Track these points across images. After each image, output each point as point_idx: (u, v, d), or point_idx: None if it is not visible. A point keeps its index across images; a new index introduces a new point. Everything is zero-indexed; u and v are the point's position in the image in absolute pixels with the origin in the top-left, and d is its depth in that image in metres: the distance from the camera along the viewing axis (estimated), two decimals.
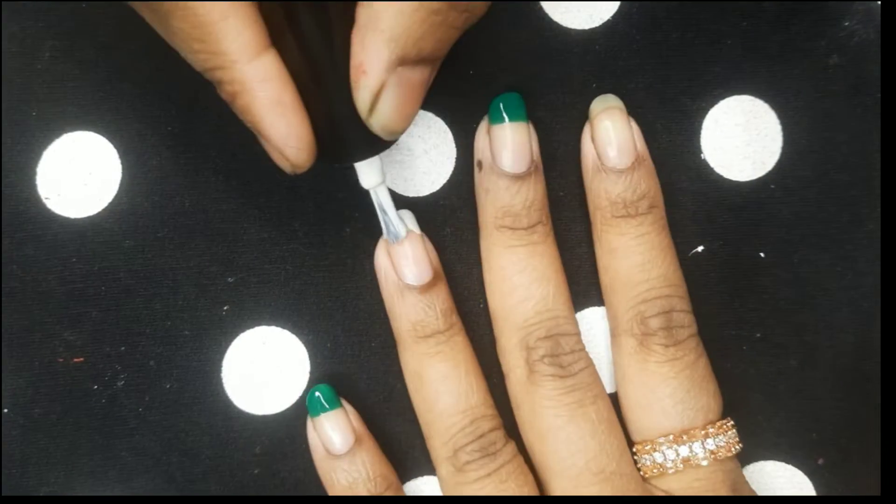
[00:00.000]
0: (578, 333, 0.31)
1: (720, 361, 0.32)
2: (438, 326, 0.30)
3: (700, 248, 0.32)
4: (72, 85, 0.32)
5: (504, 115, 0.30)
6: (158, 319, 0.32)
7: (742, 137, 0.32)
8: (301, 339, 0.32)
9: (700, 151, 0.32)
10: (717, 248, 0.32)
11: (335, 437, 0.30)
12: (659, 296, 0.30)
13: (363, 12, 0.24)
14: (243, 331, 0.32)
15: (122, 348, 0.32)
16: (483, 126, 0.31)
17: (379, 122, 0.26)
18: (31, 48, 0.32)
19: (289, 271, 0.32)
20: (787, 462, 0.32)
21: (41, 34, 0.32)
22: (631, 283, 0.30)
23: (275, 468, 0.32)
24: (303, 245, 0.32)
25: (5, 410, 0.32)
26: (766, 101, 0.32)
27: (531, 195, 0.30)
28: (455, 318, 0.31)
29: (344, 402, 0.31)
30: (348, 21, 0.25)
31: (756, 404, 0.32)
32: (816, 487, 0.32)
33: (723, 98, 0.32)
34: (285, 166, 0.26)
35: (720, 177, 0.32)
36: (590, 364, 0.31)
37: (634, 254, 0.30)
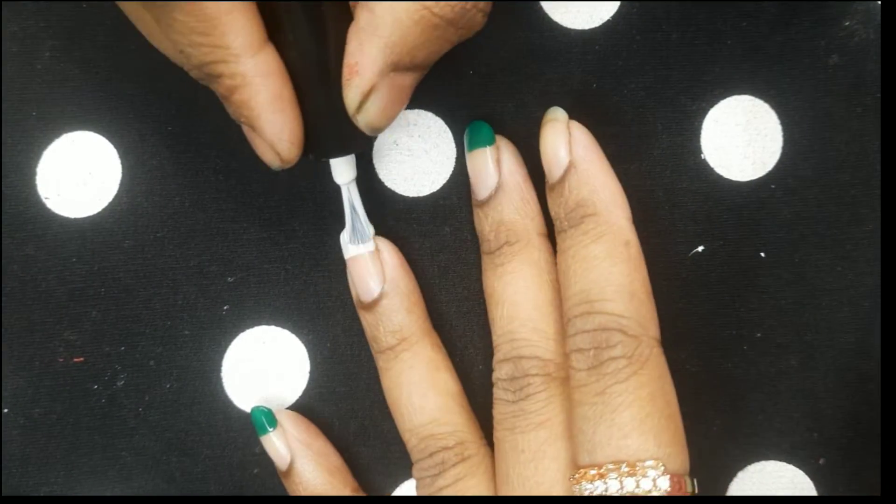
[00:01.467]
0: (544, 356, 0.29)
1: (720, 361, 0.32)
2: (386, 343, 0.30)
3: (700, 248, 0.32)
4: (72, 85, 0.32)
5: (466, 144, 0.31)
6: (158, 319, 0.32)
7: (742, 137, 0.32)
8: (301, 339, 0.32)
9: (700, 151, 0.32)
10: (717, 248, 0.32)
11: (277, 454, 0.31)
12: (578, 313, 0.28)
13: (363, 15, 0.25)
14: (243, 331, 0.32)
15: (122, 348, 0.32)
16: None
17: (365, 119, 0.26)
18: (31, 48, 0.32)
19: (289, 271, 0.32)
20: (788, 462, 0.32)
21: (41, 34, 0.32)
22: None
23: (274, 468, 0.32)
24: (303, 245, 0.32)
25: (5, 410, 0.32)
26: (766, 101, 0.32)
27: (496, 217, 0.30)
28: (408, 332, 0.30)
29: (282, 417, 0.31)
30: (340, 20, 0.25)
31: (756, 404, 0.32)
32: (817, 487, 0.32)
33: (723, 98, 0.32)
34: (273, 161, 0.27)
35: (720, 177, 0.32)
36: (547, 388, 0.28)
37: (559, 270, 0.30)
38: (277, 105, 0.25)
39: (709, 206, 0.32)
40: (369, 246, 0.30)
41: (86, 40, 0.32)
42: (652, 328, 0.28)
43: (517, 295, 0.30)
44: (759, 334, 0.32)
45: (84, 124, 0.32)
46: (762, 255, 0.32)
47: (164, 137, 0.32)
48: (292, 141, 0.26)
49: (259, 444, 0.31)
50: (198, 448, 0.32)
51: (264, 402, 0.32)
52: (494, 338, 0.30)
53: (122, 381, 0.32)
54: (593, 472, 0.26)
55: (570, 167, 0.29)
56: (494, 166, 0.30)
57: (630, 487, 0.25)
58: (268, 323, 0.32)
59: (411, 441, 0.30)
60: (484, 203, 0.30)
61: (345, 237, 0.31)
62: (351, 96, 0.26)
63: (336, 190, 0.32)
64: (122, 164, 0.32)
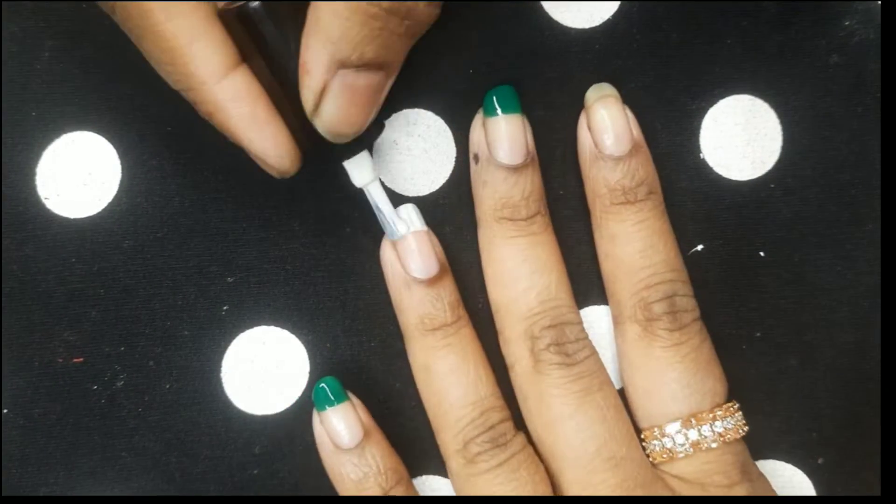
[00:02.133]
0: (581, 322, 0.31)
1: (720, 361, 0.32)
2: (446, 319, 0.30)
3: (700, 248, 0.32)
4: (72, 85, 0.32)
5: (497, 107, 0.30)
6: (158, 319, 0.32)
7: (742, 137, 0.32)
8: (301, 339, 0.32)
9: (700, 151, 0.32)
10: (717, 248, 0.32)
11: (343, 431, 0.30)
12: (662, 281, 0.30)
13: (310, 13, 0.25)
14: (243, 331, 0.32)
15: (122, 348, 0.32)
16: (478, 119, 0.31)
17: (322, 123, 0.26)
18: (31, 48, 0.32)
19: (289, 271, 0.32)
20: (788, 461, 0.32)
21: (41, 34, 0.32)
22: (633, 269, 0.30)
23: (274, 468, 0.32)
24: (303, 245, 0.32)
25: (5, 410, 0.32)
26: (766, 100, 0.32)
27: (529, 186, 0.30)
28: (462, 311, 0.31)
29: (351, 395, 0.31)
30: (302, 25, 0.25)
31: (756, 404, 0.32)
32: (816, 487, 0.32)
33: (722, 97, 0.32)
34: (273, 173, 0.27)
35: (720, 176, 0.32)
36: (594, 352, 0.31)
37: (635, 240, 0.30)
38: (254, 125, 0.25)
39: (708, 206, 0.32)
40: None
41: (86, 40, 0.32)
42: None
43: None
44: (758, 334, 0.32)
45: (84, 124, 0.32)
46: (761, 254, 0.32)
47: (164, 137, 0.32)
48: (280, 153, 0.26)
49: (258, 444, 0.32)
50: (198, 448, 0.32)
51: (264, 401, 0.32)
52: (536, 305, 0.30)
53: (122, 382, 0.32)
54: (720, 411, 0.30)
55: (637, 145, 0.30)
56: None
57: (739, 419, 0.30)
58: (268, 323, 0.32)
59: (471, 415, 0.30)
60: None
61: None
62: (304, 97, 0.25)
63: (336, 190, 0.32)
64: (122, 164, 0.32)
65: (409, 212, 0.31)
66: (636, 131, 0.31)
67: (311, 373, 0.32)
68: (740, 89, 0.32)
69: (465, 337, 0.31)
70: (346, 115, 0.26)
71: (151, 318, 0.32)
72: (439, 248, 0.31)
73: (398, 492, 0.30)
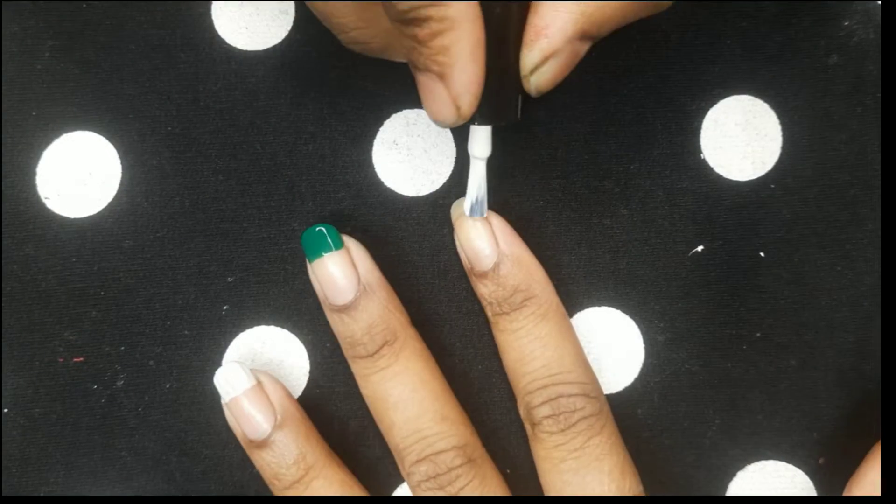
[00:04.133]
0: (458, 444, 0.29)
1: (720, 361, 0.32)
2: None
3: (700, 248, 0.32)
4: (72, 85, 0.32)
5: (317, 249, 0.30)
6: (158, 319, 0.32)
7: (742, 137, 0.32)
8: (301, 339, 0.32)
9: (700, 151, 0.32)
10: (717, 248, 0.32)
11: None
12: (541, 386, 0.30)
13: None
14: (243, 331, 0.32)
15: (122, 348, 0.32)
16: (309, 267, 0.31)
17: (537, 81, 0.26)
18: (31, 48, 0.32)
19: (289, 271, 0.32)
20: (788, 462, 0.32)
21: (41, 34, 0.32)
22: (516, 376, 0.30)
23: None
24: None
25: (5, 410, 0.32)
26: (766, 100, 0.32)
27: (367, 319, 0.30)
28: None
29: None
30: None
31: (756, 404, 0.32)
32: (817, 487, 0.32)
33: (722, 98, 0.32)
34: (450, 116, 0.26)
35: (720, 177, 0.32)
36: (474, 478, 0.29)
37: (513, 349, 0.30)
38: (477, 53, 0.25)
39: (708, 206, 0.32)
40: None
41: (86, 40, 0.32)
42: (599, 387, 0.31)
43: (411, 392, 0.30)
44: (758, 334, 0.32)
45: (84, 124, 0.32)
46: (762, 254, 0.32)
47: (164, 137, 0.32)
48: (476, 94, 0.26)
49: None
50: (198, 448, 0.32)
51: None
52: (401, 441, 0.30)
53: (122, 381, 0.32)
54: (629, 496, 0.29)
55: (503, 255, 0.30)
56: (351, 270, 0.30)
57: None
58: (268, 323, 0.32)
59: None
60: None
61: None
62: (531, 57, 0.26)
63: (336, 190, 0.32)
64: (122, 164, 0.32)
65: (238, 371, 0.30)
66: (504, 239, 0.30)
67: (311, 373, 0.32)
68: (740, 89, 0.32)
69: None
70: (559, 76, 0.26)
71: (152, 318, 0.32)
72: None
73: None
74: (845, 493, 0.30)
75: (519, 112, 0.28)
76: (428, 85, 0.26)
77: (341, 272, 0.30)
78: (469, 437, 0.30)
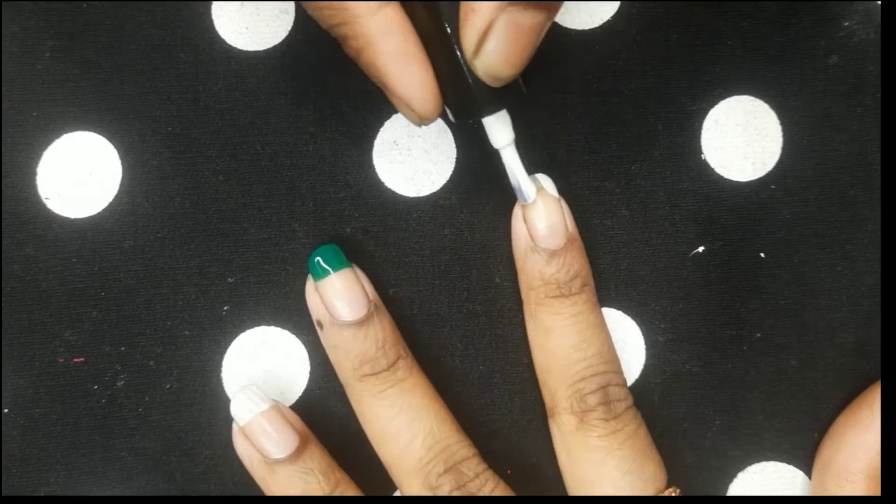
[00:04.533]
0: (475, 454, 0.30)
1: (720, 362, 0.32)
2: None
3: (700, 249, 0.32)
4: (72, 85, 0.32)
5: (326, 267, 0.30)
6: (158, 319, 0.32)
7: (742, 138, 0.32)
8: (301, 339, 0.32)
9: (700, 152, 0.32)
10: (717, 248, 0.32)
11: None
12: (596, 373, 0.30)
13: None
14: (243, 331, 0.32)
15: (123, 348, 0.32)
16: (310, 285, 0.30)
17: (483, 64, 0.25)
18: (31, 48, 0.32)
19: (289, 271, 0.32)
20: (789, 462, 0.32)
21: (41, 34, 0.32)
22: (568, 362, 0.30)
23: None
24: (303, 245, 0.32)
25: (5, 410, 0.32)
26: (766, 101, 0.32)
27: (381, 334, 0.30)
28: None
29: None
30: None
31: (757, 405, 0.32)
32: None
33: (723, 98, 0.32)
34: (413, 119, 0.26)
35: (720, 177, 0.32)
36: (497, 482, 0.30)
37: (570, 333, 0.30)
38: (403, 61, 0.25)
39: (709, 207, 0.32)
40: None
41: (86, 40, 0.32)
42: None
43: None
44: (759, 334, 0.32)
45: (84, 124, 0.32)
46: (762, 255, 0.32)
47: (164, 137, 0.32)
48: (426, 97, 0.25)
49: None
50: (198, 448, 0.32)
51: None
52: (425, 453, 0.29)
53: (123, 382, 0.32)
54: (664, 495, 0.30)
55: (572, 238, 0.30)
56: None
57: None
58: (268, 323, 0.32)
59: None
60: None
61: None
62: (468, 36, 0.25)
63: (336, 190, 0.32)
64: (122, 164, 0.32)
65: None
66: (571, 224, 0.30)
67: (311, 373, 0.32)
68: (741, 90, 0.32)
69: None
70: (509, 55, 0.25)
71: (152, 318, 0.32)
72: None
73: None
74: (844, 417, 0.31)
75: (520, 90, 0.27)
76: (386, 94, 0.26)
77: (357, 287, 0.30)
78: (476, 448, 0.30)
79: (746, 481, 0.32)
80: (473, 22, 0.24)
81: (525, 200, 0.30)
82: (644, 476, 0.29)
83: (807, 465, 0.32)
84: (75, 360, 0.32)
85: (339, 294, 0.29)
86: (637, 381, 0.32)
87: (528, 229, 0.30)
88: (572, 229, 0.30)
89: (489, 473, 0.29)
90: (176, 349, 0.32)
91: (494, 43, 0.24)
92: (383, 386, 0.29)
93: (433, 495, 0.29)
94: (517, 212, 0.31)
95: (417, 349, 0.32)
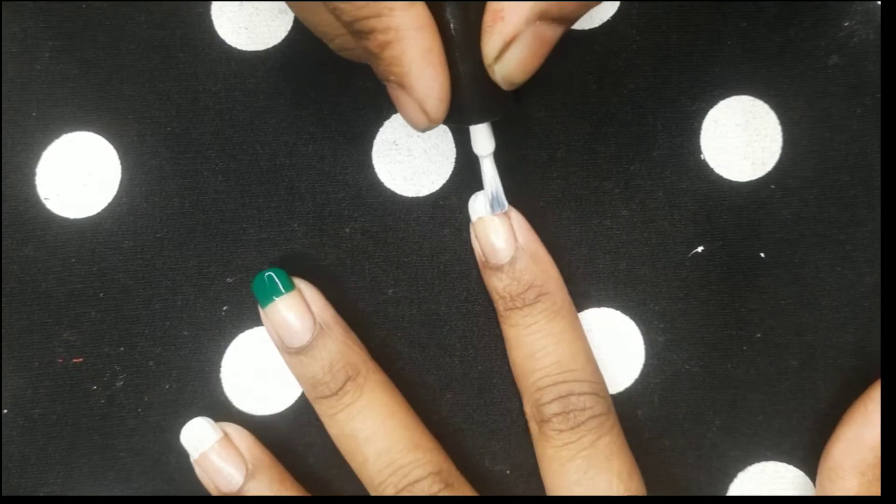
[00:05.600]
0: (430, 473, 0.29)
1: (720, 361, 0.32)
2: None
3: (700, 249, 0.32)
4: (72, 85, 0.32)
5: (268, 294, 0.30)
6: (157, 320, 0.32)
7: (742, 138, 0.32)
8: None
9: (700, 152, 0.32)
10: (717, 249, 0.32)
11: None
12: (553, 382, 0.30)
13: None
14: (242, 331, 0.32)
15: (122, 349, 0.32)
16: (261, 312, 0.31)
17: (503, 70, 0.25)
18: (31, 48, 0.32)
19: (288, 271, 0.32)
20: (788, 462, 0.32)
21: (41, 34, 0.32)
22: (526, 372, 0.30)
23: None
24: (302, 246, 0.32)
25: (5, 410, 0.32)
26: (766, 101, 0.32)
27: (326, 358, 0.30)
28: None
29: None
30: None
31: (757, 405, 0.32)
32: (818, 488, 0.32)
33: (723, 98, 0.32)
34: (421, 121, 0.26)
35: (720, 177, 0.32)
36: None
37: (525, 344, 0.30)
38: (428, 59, 0.24)
39: (709, 207, 0.32)
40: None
41: (86, 40, 0.32)
42: (606, 387, 0.31)
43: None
44: (759, 334, 0.32)
45: (84, 124, 0.32)
46: (762, 255, 0.32)
47: (163, 138, 0.32)
48: (441, 98, 0.25)
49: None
50: None
51: (263, 402, 0.32)
52: (376, 474, 0.29)
53: (122, 382, 0.32)
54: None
55: (521, 250, 0.30)
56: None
57: None
58: None
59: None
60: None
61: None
62: (492, 44, 0.25)
63: (335, 190, 0.32)
64: (122, 164, 0.32)
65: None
66: (522, 235, 0.31)
67: None
68: (740, 90, 0.32)
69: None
70: (527, 64, 0.25)
71: (151, 319, 0.32)
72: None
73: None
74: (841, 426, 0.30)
75: (512, 102, 0.28)
76: (394, 93, 0.26)
77: (295, 315, 0.30)
78: (443, 463, 0.30)
79: (746, 481, 0.32)
80: (501, 29, 0.24)
81: (494, 209, 0.30)
82: (595, 488, 0.29)
83: (807, 464, 0.32)
84: (74, 360, 0.32)
85: (280, 321, 0.30)
86: (637, 381, 0.32)
87: (479, 247, 0.31)
88: (523, 240, 0.30)
89: (445, 493, 0.29)
90: (175, 349, 0.32)
91: (517, 52, 0.25)
92: (332, 410, 0.30)
93: (419, 496, 0.29)
94: (472, 229, 0.31)
95: (417, 350, 0.32)
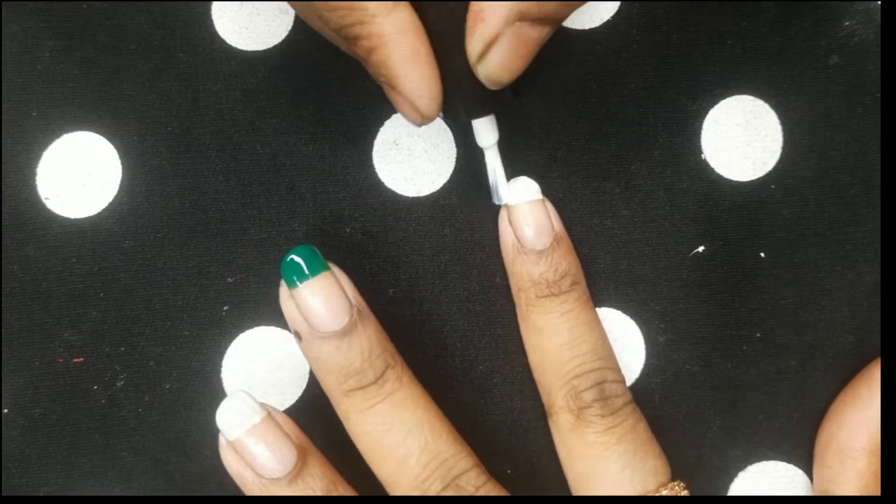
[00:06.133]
0: (474, 465, 0.28)
1: (720, 361, 0.32)
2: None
3: (700, 249, 0.32)
4: (72, 85, 0.32)
5: (302, 272, 0.27)
6: (158, 320, 0.32)
7: (742, 137, 0.32)
8: None
9: (700, 152, 0.32)
10: (717, 248, 0.32)
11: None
12: (590, 369, 0.30)
13: None
14: (243, 331, 0.32)
15: (122, 349, 0.32)
16: (284, 292, 0.27)
17: (485, 70, 0.26)
18: (31, 48, 0.32)
19: None
20: (788, 462, 0.32)
21: (41, 34, 0.32)
22: (562, 360, 0.30)
23: None
24: None
25: (5, 410, 0.32)
26: (766, 101, 0.32)
27: (366, 343, 0.27)
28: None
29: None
30: None
31: (757, 404, 0.32)
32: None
33: (723, 98, 0.32)
34: (414, 118, 0.26)
35: (720, 177, 0.32)
36: (490, 493, 0.28)
37: (562, 331, 0.30)
38: (414, 61, 0.25)
39: (709, 207, 0.32)
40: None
41: (86, 40, 0.32)
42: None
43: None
44: (759, 334, 0.32)
45: (84, 124, 0.32)
46: (762, 255, 0.32)
47: (164, 138, 0.32)
48: (432, 97, 0.25)
49: None
50: (198, 448, 0.32)
51: (263, 402, 0.32)
52: (421, 470, 0.27)
53: (122, 382, 0.32)
54: (665, 490, 0.29)
55: (558, 237, 0.30)
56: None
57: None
58: (268, 323, 0.32)
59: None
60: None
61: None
62: (473, 44, 0.25)
63: (336, 190, 0.32)
64: (122, 164, 0.32)
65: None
66: (556, 223, 0.31)
67: (311, 374, 0.32)
68: (741, 90, 0.32)
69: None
70: (510, 64, 0.25)
71: (152, 319, 0.32)
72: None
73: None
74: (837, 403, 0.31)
75: (509, 96, 0.28)
76: (388, 93, 0.26)
77: (337, 293, 0.27)
78: (473, 453, 0.29)
79: (747, 481, 0.32)
80: (481, 31, 0.25)
81: (499, 201, 0.30)
82: (645, 470, 0.29)
83: (807, 464, 0.32)
84: (75, 360, 0.32)
85: (317, 302, 0.27)
86: (637, 381, 0.32)
87: (514, 231, 0.30)
88: (558, 228, 0.31)
89: (490, 485, 0.28)
90: (176, 349, 0.32)
91: (499, 53, 0.25)
92: (372, 401, 0.27)
93: (432, 496, 0.28)
94: (503, 214, 0.31)
95: (417, 349, 0.32)
